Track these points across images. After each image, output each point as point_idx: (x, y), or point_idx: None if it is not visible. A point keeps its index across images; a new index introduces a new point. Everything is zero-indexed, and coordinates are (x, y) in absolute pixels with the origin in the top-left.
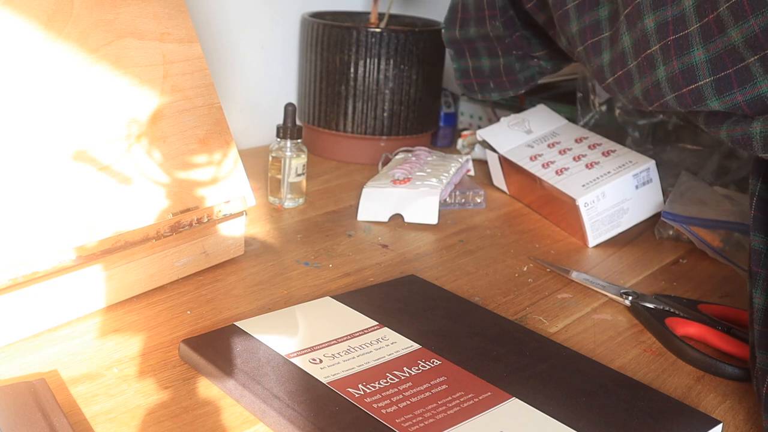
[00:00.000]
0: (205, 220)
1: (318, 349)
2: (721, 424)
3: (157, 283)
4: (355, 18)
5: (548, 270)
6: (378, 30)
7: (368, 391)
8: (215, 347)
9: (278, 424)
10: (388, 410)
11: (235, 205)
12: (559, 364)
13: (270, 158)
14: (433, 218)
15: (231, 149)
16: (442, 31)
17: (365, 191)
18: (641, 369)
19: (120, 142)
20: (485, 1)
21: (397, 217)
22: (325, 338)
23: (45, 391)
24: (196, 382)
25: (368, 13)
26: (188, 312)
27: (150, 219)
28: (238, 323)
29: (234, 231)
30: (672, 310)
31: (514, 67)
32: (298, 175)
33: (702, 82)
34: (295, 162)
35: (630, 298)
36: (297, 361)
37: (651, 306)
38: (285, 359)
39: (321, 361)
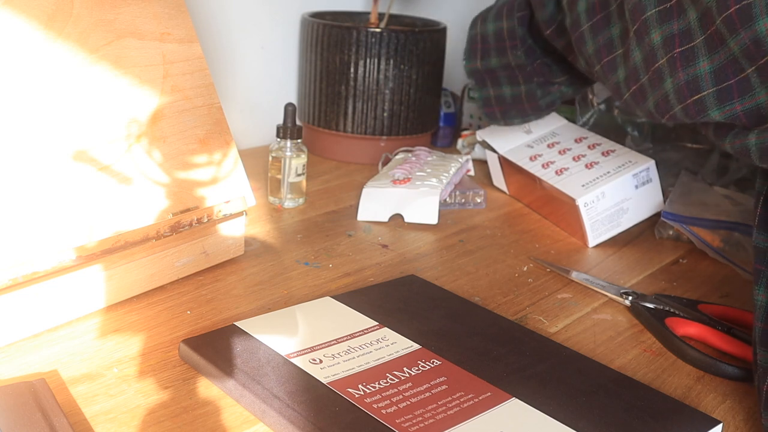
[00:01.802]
0: (205, 220)
1: (318, 350)
2: (721, 424)
3: (157, 283)
4: (355, 18)
5: (548, 270)
6: (378, 30)
7: (368, 391)
8: (215, 347)
9: (278, 424)
10: (388, 410)
11: (235, 205)
12: (559, 364)
13: (270, 158)
14: (433, 218)
15: (231, 149)
16: (463, 62)
17: (365, 191)
18: (641, 369)
19: (120, 142)
20: (505, 32)
21: (397, 217)
22: (325, 338)
23: (45, 391)
24: (196, 382)
25: (368, 13)
26: (188, 312)
27: (150, 219)
28: (238, 323)
29: (234, 231)
30: (672, 310)
31: (535, 94)
32: (298, 175)
33: (705, 93)
34: (295, 162)
35: (630, 298)
36: (297, 361)
37: (651, 306)
38: (285, 359)
39: (321, 361)
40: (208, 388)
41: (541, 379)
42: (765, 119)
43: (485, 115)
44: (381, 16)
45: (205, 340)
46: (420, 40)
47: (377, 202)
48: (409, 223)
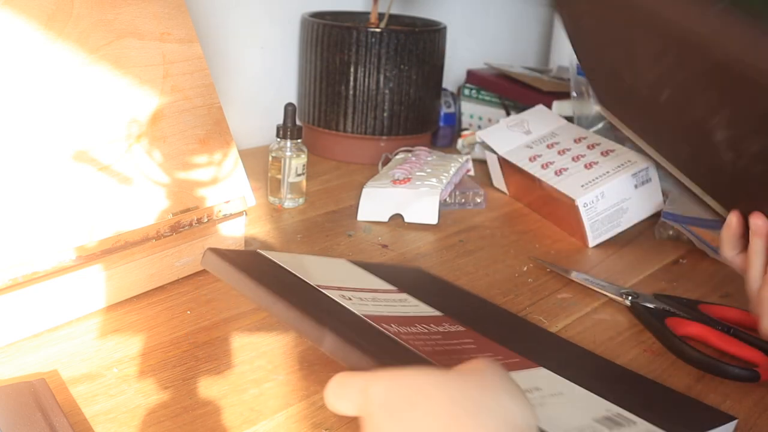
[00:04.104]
0: (205, 220)
1: (346, 290)
2: (736, 421)
3: (157, 283)
4: (355, 18)
5: (548, 270)
6: (378, 30)
7: (402, 331)
8: (243, 259)
9: (311, 330)
10: (425, 349)
11: (235, 205)
12: (577, 356)
13: (270, 158)
14: (433, 218)
15: (231, 149)
16: None
17: (365, 191)
18: (641, 369)
19: (120, 142)
20: None
21: (397, 217)
22: (351, 284)
23: (45, 391)
24: (196, 382)
25: (368, 13)
26: (188, 312)
27: (150, 219)
28: (262, 251)
29: (234, 231)
30: (672, 310)
31: None
32: (298, 175)
33: None
34: (295, 162)
35: (630, 298)
36: (328, 293)
37: (651, 306)
38: (315, 288)
39: (351, 299)
40: (208, 388)
41: (566, 358)
42: None
43: None
44: (381, 16)
45: (232, 254)
46: (420, 40)
47: (377, 202)
48: (409, 223)
